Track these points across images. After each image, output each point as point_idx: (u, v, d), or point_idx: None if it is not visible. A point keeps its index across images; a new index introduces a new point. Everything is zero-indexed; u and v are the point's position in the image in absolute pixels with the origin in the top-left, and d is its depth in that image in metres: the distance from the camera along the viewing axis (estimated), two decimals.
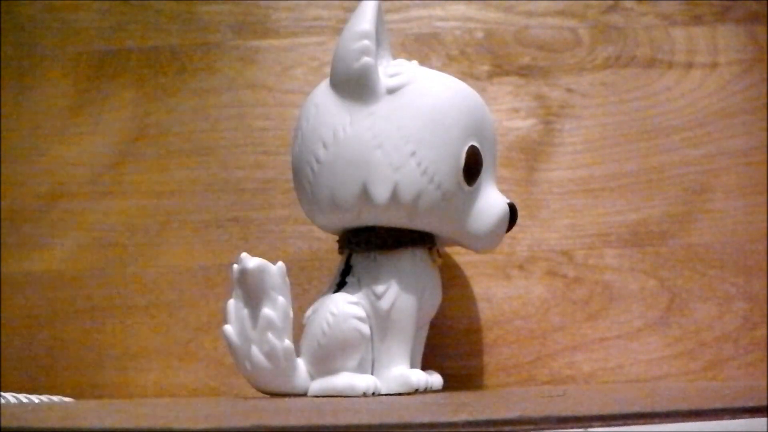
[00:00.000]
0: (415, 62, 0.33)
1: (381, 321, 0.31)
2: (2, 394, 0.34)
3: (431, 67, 0.33)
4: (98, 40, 0.43)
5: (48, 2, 0.43)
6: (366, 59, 0.29)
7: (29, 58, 0.43)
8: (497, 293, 0.40)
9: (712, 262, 0.40)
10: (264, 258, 0.29)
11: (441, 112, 0.30)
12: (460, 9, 0.43)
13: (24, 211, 0.41)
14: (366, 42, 0.29)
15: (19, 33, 0.43)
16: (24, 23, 0.43)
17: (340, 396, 0.30)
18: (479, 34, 0.42)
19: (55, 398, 0.36)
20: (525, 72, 0.42)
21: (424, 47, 0.42)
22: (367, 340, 0.30)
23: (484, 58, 0.42)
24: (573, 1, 0.43)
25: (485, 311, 0.40)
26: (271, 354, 0.29)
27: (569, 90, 0.42)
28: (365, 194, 0.30)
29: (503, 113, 0.42)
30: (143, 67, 0.43)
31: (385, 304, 0.31)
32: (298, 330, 0.31)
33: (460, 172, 0.31)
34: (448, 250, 0.39)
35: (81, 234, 0.41)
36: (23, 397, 0.34)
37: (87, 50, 0.43)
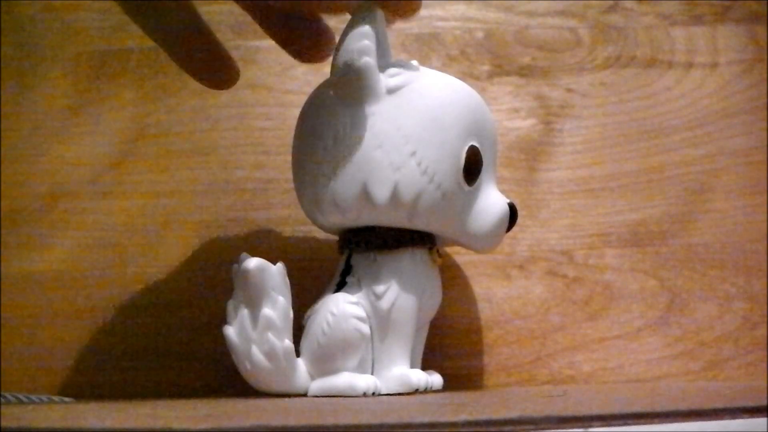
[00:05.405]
0: (415, 62, 0.33)
1: (381, 321, 0.31)
2: (2, 394, 0.34)
3: (431, 67, 0.33)
4: (98, 40, 0.43)
5: (48, 2, 0.43)
6: (366, 59, 0.29)
7: (29, 58, 0.43)
8: (497, 293, 0.40)
9: (712, 262, 0.40)
10: (264, 258, 0.29)
11: (441, 112, 0.30)
12: (460, 9, 0.43)
13: (24, 211, 0.41)
14: (366, 42, 0.29)
15: (19, 33, 0.43)
16: (24, 23, 0.43)
17: (341, 396, 0.30)
18: (479, 34, 0.42)
19: (55, 398, 0.36)
20: (525, 72, 0.42)
21: (424, 47, 0.42)
22: (367, 340, 0.30)
23: (484, 58, 0.42)
24: (573, 1, 0.43)
25: (485, 311, 0.40)
26: (271, 354, 0.29)
27: (569, 90, 0.42)
28: (365, 194, 0.30)
29: (503, 113, 0.42)
30: (143, 67, 0.43)
31: (385, 304, 0.31)
32: (299, 330, 0.31)
33: (461, 172, 0.31)
34: (448, 250, 0.39)
35: (81, 234, 0.41)
36: (23, 397, 0.34)
37: (87, 50, 0.43)
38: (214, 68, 0.32)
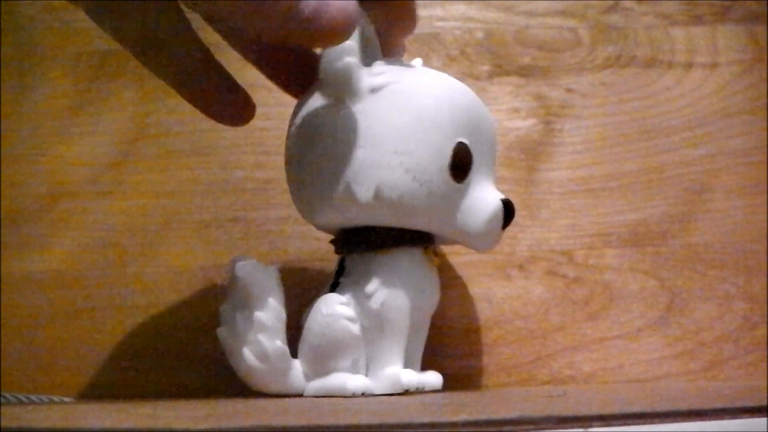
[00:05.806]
0: (418, 60, 0.33)
1: (373, 321, 0.31)
2: (2, 394, 0.34)
3: (431, 67, 0.33)
4: (98, 40, 0.43)
5: (48, 2, 0.43)
6: (348, 59, 0.29)
7: (29, 58, 0.43)
8: (497, 293, 0.40)
9: (712, 262, 0.40)
10: (264, 258, 0.29)
11: (424, 110, 0.30)
12: (460, 9, 0.43)
13: (24, 211, 0.41)
14: (349, 42, 0.29)
15: (19, 33, 0.43)
16: (24, 23, 0.43)
17: (333, 396, 0.30)
18: (479, 34, 0.42)
19: (55, 398, 0.36)
20: (525, 72, 0.42)
21: (424, 47, 0.42)
22: (358, 340, 0.30)
23: (484, 58, 0.42)
24: (573, 1, 0.43)
25: (485, 311, 0.40)
26: (262, 355, 0.29)
27: (569, 90, 0.42)
28: (349, 194, 0.30)
29: (503, 113, 0.42)
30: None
31: (374, 303, 0.30)
32: (298, 331, 0.31)
33: (446, 169, 0.30)
34: (448, 250, 0.39)
35: (81, 234, 0.41)
36: (23, 397, 0.34)
37: (87, 50, 0.43)
38: (229, 105, 0.31)
